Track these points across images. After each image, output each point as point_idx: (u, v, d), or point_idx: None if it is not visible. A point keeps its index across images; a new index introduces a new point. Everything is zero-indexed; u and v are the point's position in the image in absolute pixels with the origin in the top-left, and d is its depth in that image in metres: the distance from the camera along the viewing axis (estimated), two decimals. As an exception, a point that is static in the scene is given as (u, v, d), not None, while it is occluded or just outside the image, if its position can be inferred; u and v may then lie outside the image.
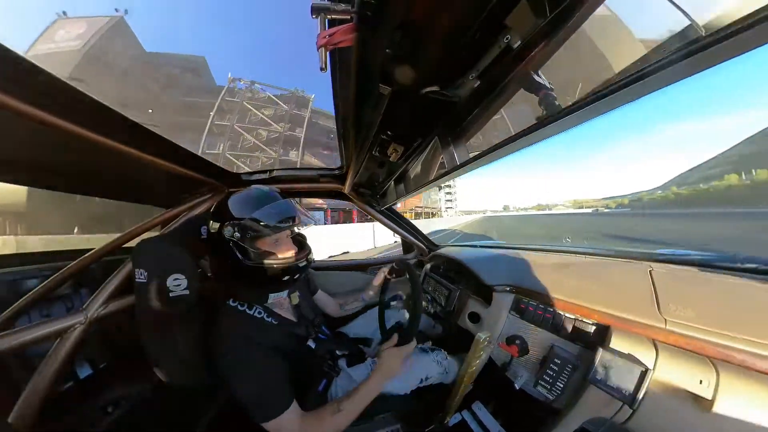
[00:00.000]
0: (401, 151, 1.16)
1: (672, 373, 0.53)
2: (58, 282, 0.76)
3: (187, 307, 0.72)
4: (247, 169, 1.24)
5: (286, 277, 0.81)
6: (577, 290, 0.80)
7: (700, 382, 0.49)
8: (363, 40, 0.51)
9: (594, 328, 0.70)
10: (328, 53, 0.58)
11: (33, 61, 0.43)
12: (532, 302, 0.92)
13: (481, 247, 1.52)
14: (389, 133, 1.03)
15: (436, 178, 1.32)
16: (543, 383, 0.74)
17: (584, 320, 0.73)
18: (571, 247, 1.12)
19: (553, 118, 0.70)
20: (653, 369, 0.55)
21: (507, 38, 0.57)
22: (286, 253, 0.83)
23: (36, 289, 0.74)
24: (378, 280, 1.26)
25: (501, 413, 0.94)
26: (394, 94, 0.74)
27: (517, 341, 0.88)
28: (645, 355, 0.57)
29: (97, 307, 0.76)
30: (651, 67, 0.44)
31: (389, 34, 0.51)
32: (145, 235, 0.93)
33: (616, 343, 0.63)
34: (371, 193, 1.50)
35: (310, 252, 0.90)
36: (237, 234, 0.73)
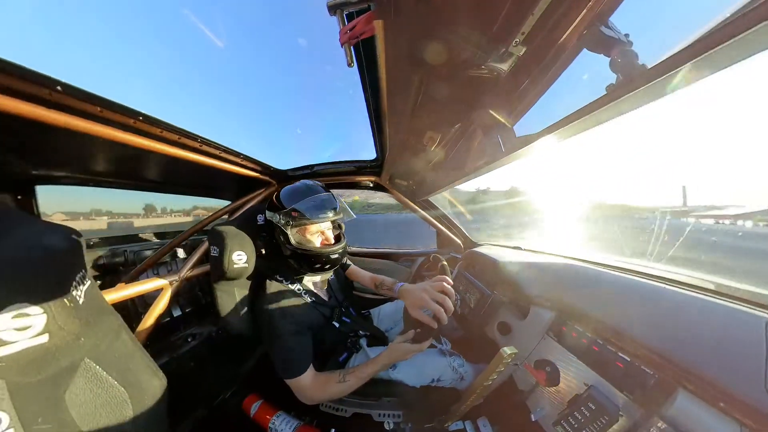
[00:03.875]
0: (438, 139, 1.07)
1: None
2: (163, 252, 1.12)
3: (245, 275, 0.91)
4: (293, 166, 1.44)
5: (317, 265, 0.90)
6: (643, 327, 0.59)
7: None
8: (386, 25, 0.49)
9: (654, 381, 0.51)
10: (352, 47, 0.59)
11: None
12: (578, 327, 0.73)
13: (528, 251, 1.28)
14: (424, 119, 0.97)
15: (479, 168, 1.17)
16: (566, 425, 0.60)
17: (643, 367, 0.54)
18: (650, 269, 0.80)
19: (634, 83, 0.51)
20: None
21: None
22: (324, 243, 0.92)
23: (152, 256, 1.11)
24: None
25: (507, 440, 0.82)
26: (426, 77, 0.69)
27: (548, 368, 0.74)
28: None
29: (186, 270, 1.06)
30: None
31: (413, 11, 0.47)
32: (217, 221, 1.23)
33: (682, 410, 0.44)
34: (408, 183, 1.46)
35: (345, 244, 0.97)
36: (282, 221, 0.85)
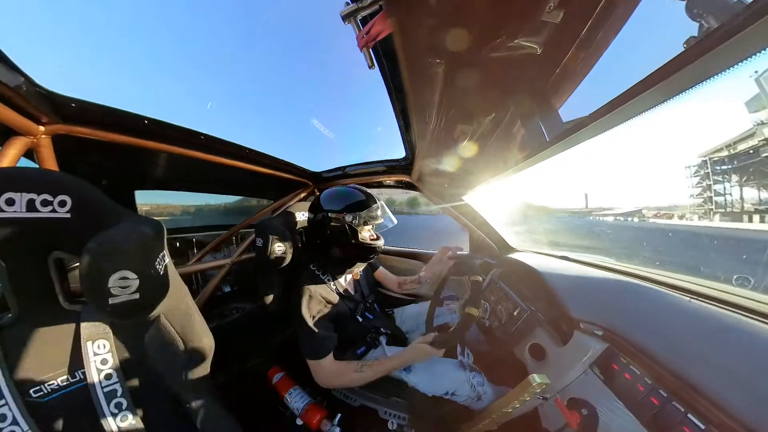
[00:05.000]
0: (470, 132, 0.98)
1: None
2: (220, 241, 1.37)
3: (284, 264, 1.03)
4: (326, 168, 1.57)
5: (372, 255, 1.03)
6: (737, 386, 0.40)
7: None
8: (400, 21, 0.49)
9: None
10: (371, 50, 0.60)
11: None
12: (634, 368, 0.56)
13: (578, 261, 1.02)
14: (453, 112, 0.91)
15: (519, 162, 1.02)
16: (595, 487, 0.47)
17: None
18: (749, 299, 0.52)
19: (728, 30, 0.37)
20: None
21: None
22: (372, 236, 1.05)
23: (211, 243, 1.37)
24: (434, 275, 1.28)
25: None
26: (450, 67, 0.65)
27: (584, 410, 0.59)
28: None
29: (236, 256, 1.29)
30: None
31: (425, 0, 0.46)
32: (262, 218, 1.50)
33: None
34: (438, 181, 1.38)
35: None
36: (354, 221, 0.97)
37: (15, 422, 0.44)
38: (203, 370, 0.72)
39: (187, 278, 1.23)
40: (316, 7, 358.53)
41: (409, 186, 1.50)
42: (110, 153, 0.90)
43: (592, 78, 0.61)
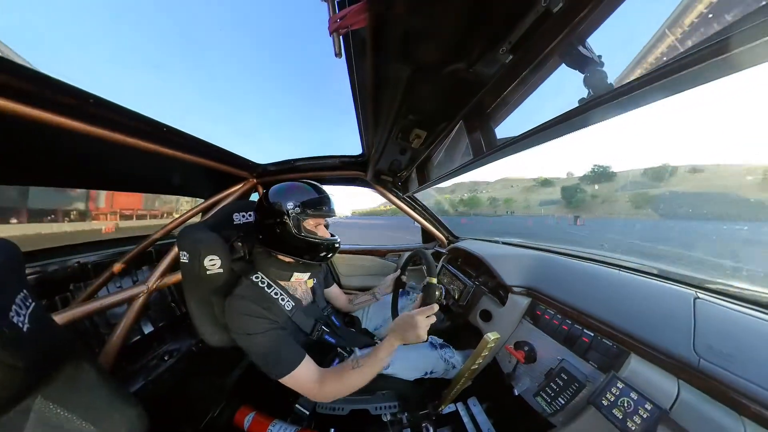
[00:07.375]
0: (424, 137, 1.10)
1: (691, 420, 0.45)
2: (126, 261, 0.96)
3: (221, 282, 0.82)
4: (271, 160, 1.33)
5: (323, 253, 0.90)
6: (602, 306, 0.70)
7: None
8: (376, 19, 0.48)
9: (612, 350, 0.61)
10: (341, 37, 0.57)
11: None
12: (549, 310, 0.84)
13: (504, 244, 1.40)
14: (411, 117, 0.98)
15: (461, 167, 1.23)
16: (543, 395, 0.70)
17: (603, 339, 0.64)
18: (607, 257, 0.95)
19: (601, 100, 0.58)
20: (669, 410, 0.47)
21: (546, 0, 0.48)
22: (326, 235, 0.93)
23: (113, 266, 0.95)
24: (388, 282, 1.28)
25: (494, 414, 0.92)
26: (414, 75, 0.70)
27: (526, 347, 0.83)
28: (664, 392, 0.49)
29: (154, 280, 0.93)
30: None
31: (405, 8, 0.47)
32: (188, 223, 1.11)
33: (634, 371, 0.55)
34: (393, 180, 1.48)
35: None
36: (298, 210, 0.83)
37: None
38: None
39: (77, 327, 0.81)
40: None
41: (363, 183, 1.52)
42: None
43: (521, 110, 0.84)
